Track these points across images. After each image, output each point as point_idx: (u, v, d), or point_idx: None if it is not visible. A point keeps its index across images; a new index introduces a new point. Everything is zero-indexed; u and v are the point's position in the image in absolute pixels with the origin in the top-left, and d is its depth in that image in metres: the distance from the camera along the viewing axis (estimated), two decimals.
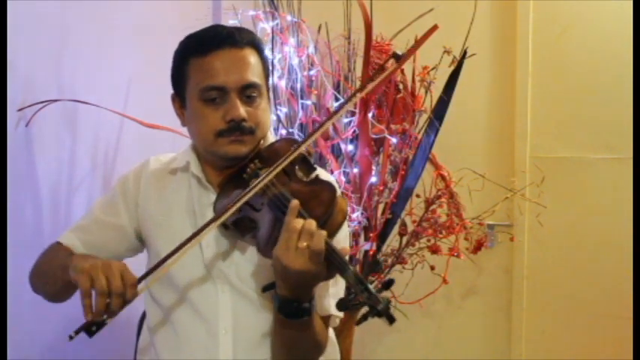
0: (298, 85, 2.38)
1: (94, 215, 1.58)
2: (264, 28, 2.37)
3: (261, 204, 1.37)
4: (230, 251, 1.46)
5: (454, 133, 2.62)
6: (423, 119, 2.46)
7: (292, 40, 2.39)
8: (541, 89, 2.75)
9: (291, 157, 1.36)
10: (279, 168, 1.36)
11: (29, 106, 1.78)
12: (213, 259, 1.46)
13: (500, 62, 2.81)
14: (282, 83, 2.36)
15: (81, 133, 2.00)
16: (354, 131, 2.35)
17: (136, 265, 1.42)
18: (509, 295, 2.82)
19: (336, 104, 2.40)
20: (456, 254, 2.45)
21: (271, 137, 1.54)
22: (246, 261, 1.46)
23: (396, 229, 2.46)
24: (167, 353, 1.48)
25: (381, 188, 2.36)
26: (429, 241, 2.44)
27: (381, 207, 2.40)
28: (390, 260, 2.43)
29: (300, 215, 1.29)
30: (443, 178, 2.44)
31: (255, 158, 1.44)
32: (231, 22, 2.33)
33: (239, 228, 1.40)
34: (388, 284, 1.29)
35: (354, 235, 2.34)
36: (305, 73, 2.38)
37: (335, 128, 2.35)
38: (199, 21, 1.83)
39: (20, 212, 1.77)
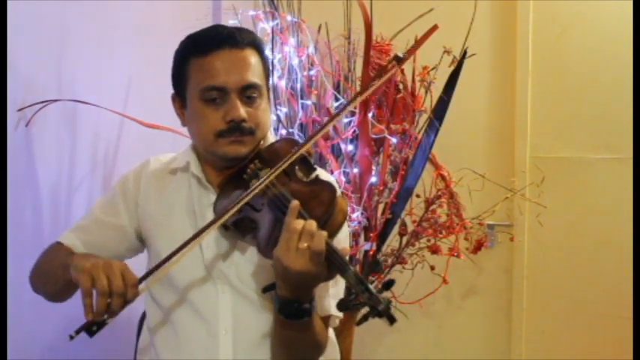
0: (298, 85, 2.38)
1: (95, 215, 1.58)
2: (264, 28, 2.37)
3: (261, 204, 1.36)
4: (230, 252, 1.46)
5: (454, 133, 2.62)
6: (423, 119, 2.46)
7: (292, 40, 2.39)
8: (541, 89, 2.75)
9: (293, 158, 1.36)
10: (281, 169, 1.36)
11: (29, 106, 1.78)
12: (213, 260, 1.46)
13: (500, 62, 2.81)
14: (282, 83, 2.36)
15: (81, 133, 2.00)
16: (354, 131, 2.35)
17: (137, 265, 1.42)
18: (509, 295, 2.82)
19: (336, 104, 2.40)
20: (456, 254, 2.45)
21: (271, 137, 1.54)
22: (246, 261, 1.46)
23: (396, 229, 2.46)
24: (167, 353, 1.48)
25: (381, 188, 2.36)
26: (429, 241, 2.44)
27: (381, 207, 2.40)
28: (390, 260, 2.43)
29: (300, 216, 1.29)
30: (443, 178, 2.44)
31: (255, 158, 1.44)
32: (231, 22, 2.33)
33: (239, 228, 1.40)
34: (388, 284, 1.29)
35: (354, 235, 2.35)
36: (305, 73, 2.38)
37: (335, 128, 2.35)
38: (199, 21, 1.83)
39: (20, 212, 1.77)
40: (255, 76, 1.44)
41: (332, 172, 2.28)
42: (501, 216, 2.72)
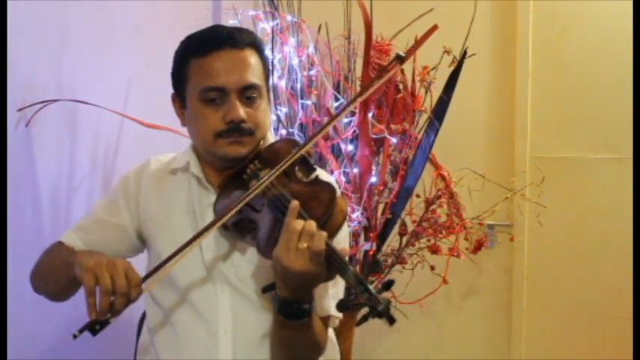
0: (298, 85, 2.38)
1: (96, 215, 1.58)
2: (264, 28, 2.37)
3: (261, 205, 1.36)
4: (230, 252, 1.46)
5: (454, 133, 2.62)
6: (423, 119, 2.46)
7: (292, 40, 2.39)
8: (541, 89, 2.75)
9: (294, 159, 1.36)
10: (281, 169, 1.36)
11: (29, 106, 1.78)
12: (213, 260, 1.46)
13: (500, 62, 2.81)
14: (282, 83, 2.36)
15: (81, 133, 2.00)
16: (354, 131, 2.35)
17: (137, 265, 1.42)
18: (509, 295, 2.83)
19: (336, 104, 2.40)
20: (456, 254, 2.45)
21: (271, 137, 1.54)
22: (246, 262, 1.46)
23: (396, 229, 2.46)
24: (167, 353, 1.48)
25: (381, 188, 2.36)
26: (429, 241, 2.44)
27: (381, 207, 2.40)
28: (390, 260, 2.43)
29: (300, 216, 1.29)
30: (443, 178, 2.44)
31: (255, 159, 1.44)
32: (231, 22, 2.33)
33: (239, 229, 1.40)
34: (388, 285, 1.29)
35: (354, 235, 2.35)
36: (305, 73, 2.38)
37: (335, 128, 2.35)
38: (199, 21, 1.83)
39: (20, 212, 1.77)
40: (254, 76, 1.44)
41: (332, 172, 2.28)
42: (501, 216, 2.72)
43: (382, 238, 2.41)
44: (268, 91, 1.51)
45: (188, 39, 1.49)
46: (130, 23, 2.18)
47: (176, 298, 1.48)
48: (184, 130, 1.55)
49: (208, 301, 1.45)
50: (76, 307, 1.35)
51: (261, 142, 1.47)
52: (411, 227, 2.46)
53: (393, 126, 2.38)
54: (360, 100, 1.69)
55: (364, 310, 1.26)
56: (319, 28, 2.51)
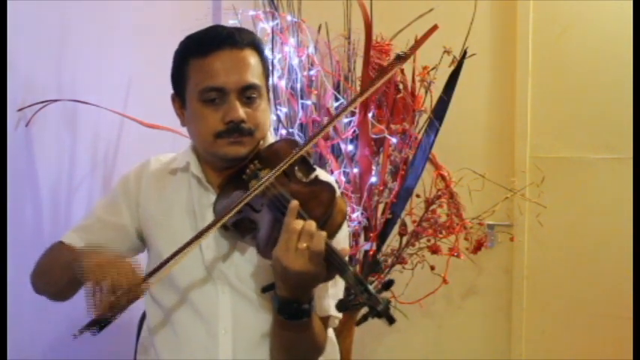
0: (298, 85, 2.38)
1: (96, 215, 1.58)
2: (264, 28, 2.37)
3: (260, 205, 1.37)
4: (230, 252, 1.46)
5: (454, 133, 2.61)
6: (423, 119, 2.46)
7: (292, 40, 2.39)
8: (541, 89, 2.75)
9: (294, 159, 1.36)
10: (281, 170, 1.36)
11: (29, 106, 1.78)
12: (213, 260, 1.46)
13: (500, 62, 2.81)
14: (282, 83, 2.36)
15: (81, 133, 2.00)
16: (354, 131, 2.35)
17: None
18: (509, 295, 2.82)
19: (336, 104, 2.40)
20: (456, 254, 2.45)
21: (271, 137, 1.54)
22: (245, 262, 1.46)
23: (396, 229, 2.46)
24: (167, 353, 1.48)
25: (381, 188, 2.36)
26: (429, 241, 2.44)
27: (381, 207, 2.40)
28: (390, 260, 2.43)
29: (299, 216, 1.29)
30: (443, 178, 2.44)
31: (254, 159, 1.44)
32: (231, 22, 2.33)
33: (239, 229, 1.40)
34: (388, 285, 1.30)
35: (354, 235, 2.35)
36: (305, 73, 2.38)
37: (335, 128, 2.35)
38: (199, 21, 1.83)
39: (20, 212, 1.78)
40: (254, 76, 1.44)
41: (332, 172, 2.28)
42: (501, 216, 2.72)
43: (382, 238, 2.41)
44: (268, 91, 1.51)
45: (188, 39, 1.49)
46: (130, 23, 2.18)
47: (176, 298, 1.48)
48: (184, 130, 1.55)
49: (208, 301, 1.45)
50: (76, 307, 1.35)
51: (261, 142, 1.47)
52: (411, 227, 2.46)
53: (393, 126, 2.38)
54: (360, 100, 1.69)
55: (364, 310, 1.26)
56: (319, 28, 2.51)
